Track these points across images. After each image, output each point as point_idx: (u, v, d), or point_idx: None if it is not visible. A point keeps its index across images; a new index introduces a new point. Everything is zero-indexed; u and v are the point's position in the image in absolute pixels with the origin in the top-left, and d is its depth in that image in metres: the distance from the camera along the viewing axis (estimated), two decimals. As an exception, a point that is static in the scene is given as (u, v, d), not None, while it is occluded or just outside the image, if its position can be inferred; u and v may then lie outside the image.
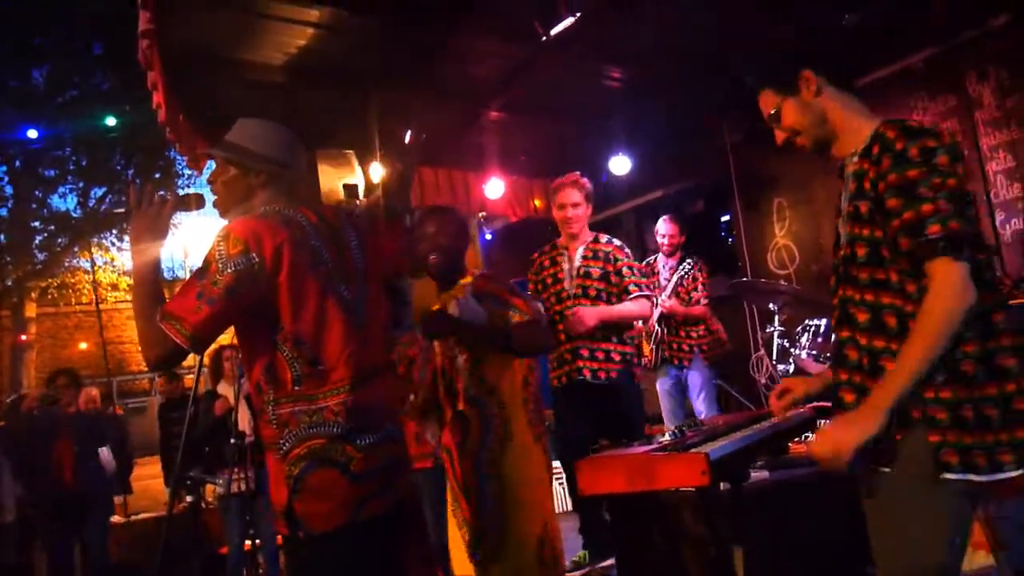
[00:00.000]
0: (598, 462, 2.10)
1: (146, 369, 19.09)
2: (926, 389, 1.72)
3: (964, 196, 1.71)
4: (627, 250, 4.24)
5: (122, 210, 2.15)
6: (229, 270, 1.94)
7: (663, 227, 5.72)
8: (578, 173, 4.32)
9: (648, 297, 4.22)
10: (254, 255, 1.96)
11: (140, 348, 1.98)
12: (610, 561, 3.93)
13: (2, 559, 6.73)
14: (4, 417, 6.74)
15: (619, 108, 6.70)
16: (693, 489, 2.18)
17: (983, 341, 1.72)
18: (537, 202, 8.03)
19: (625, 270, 4.14)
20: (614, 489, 2.03)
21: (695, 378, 5.51)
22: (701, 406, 5.45)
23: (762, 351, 6.57)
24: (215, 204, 2.23)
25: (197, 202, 2.20)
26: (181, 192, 2.20)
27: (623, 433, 3.69)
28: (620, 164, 7.15)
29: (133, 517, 6.29)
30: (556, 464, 6.62)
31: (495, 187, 6.98)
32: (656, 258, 5.77)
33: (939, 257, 1.66)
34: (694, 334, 5.56)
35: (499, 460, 2.92)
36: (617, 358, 4.06)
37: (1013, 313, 3.52)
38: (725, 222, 8.37)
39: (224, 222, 2.13)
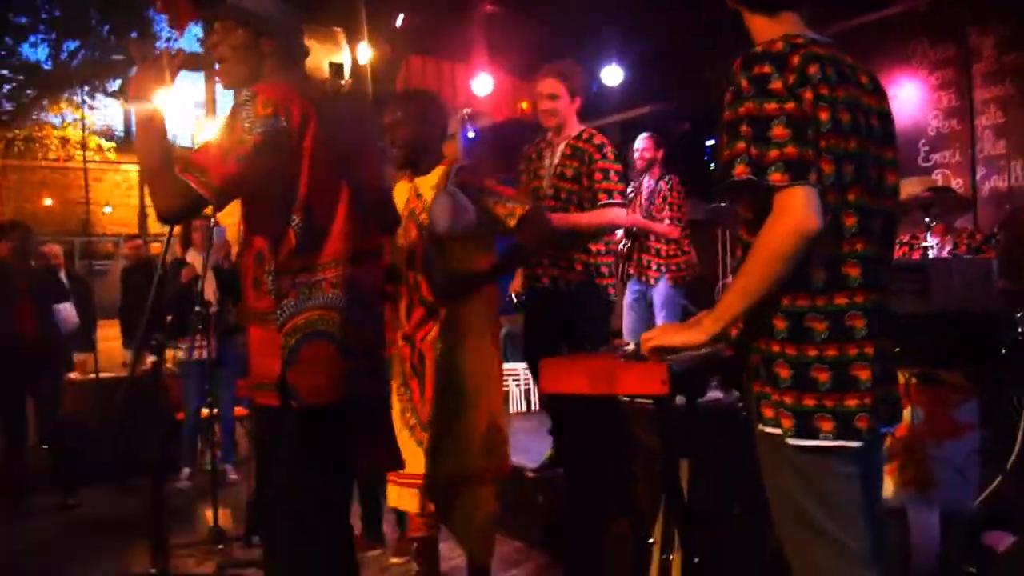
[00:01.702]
0: (561, 363, 2.14)
1: (112, 232, 18.89)
2: (752, 338, 1.73)
3: (804, 120, 1.61)
4: (607, 150, 3.83)
5: (120, 57, 2.10)
6: (258, 130, 1.92)
7: (638, 142, 5.70)
8: (566, 62, 3.89)
9: (622, 206, 3.90)
10: (282, 119, 1.94)
11: (154, 198, 1.96)
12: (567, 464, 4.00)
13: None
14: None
15: (616, 17, 6.55)
16: (650, 400, 2.24)
17: (822, 295, 1.65)
18: (524, 104, 7.90)
19: (598, 174, 3.77)
20: (574, 390, 2.07)
21: (658, 295, 5.53)
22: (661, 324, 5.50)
23: (730, 277, 6.65)
24: (220, 71, 2.17)
25: (195, 62, 2.14)
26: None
27: (585, 342, 3.66)
28: (612, 74, 7.03)
29: (93, 376, 6.28)
30: (514, 365, 6.75)
31: (483, 83, 6.84)
32: (642, 179, 5.74)
33: (779, 190, 1.58)
34: (663, 252, 5.55)
35: (456, 350, 2.97)
36: (579, 267, 3.83)
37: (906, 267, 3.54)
38: (710, 146, 8.33)
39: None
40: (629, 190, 5.54)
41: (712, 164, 8.20)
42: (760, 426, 1.72)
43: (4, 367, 5.19)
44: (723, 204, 5.86)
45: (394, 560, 3.95)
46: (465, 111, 8.51)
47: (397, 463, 2.44)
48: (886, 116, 1.80)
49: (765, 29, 1.80)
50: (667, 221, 5.53)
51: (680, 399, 2.26)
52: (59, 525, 4.97)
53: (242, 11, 2.11)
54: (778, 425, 1.68)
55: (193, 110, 19.48)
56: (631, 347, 2.35)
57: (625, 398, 2.30)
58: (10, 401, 5.29)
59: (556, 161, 3.87)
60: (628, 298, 5.62)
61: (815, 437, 1.65)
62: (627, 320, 5.64)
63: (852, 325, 1.66)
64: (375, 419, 2.23)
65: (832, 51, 1.73)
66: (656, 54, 7.02)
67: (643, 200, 5.60)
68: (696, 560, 2.20)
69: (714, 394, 3.18)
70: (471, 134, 9.01)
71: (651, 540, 2.29)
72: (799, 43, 1.68)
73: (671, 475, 2.28)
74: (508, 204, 2.98)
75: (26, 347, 5.26)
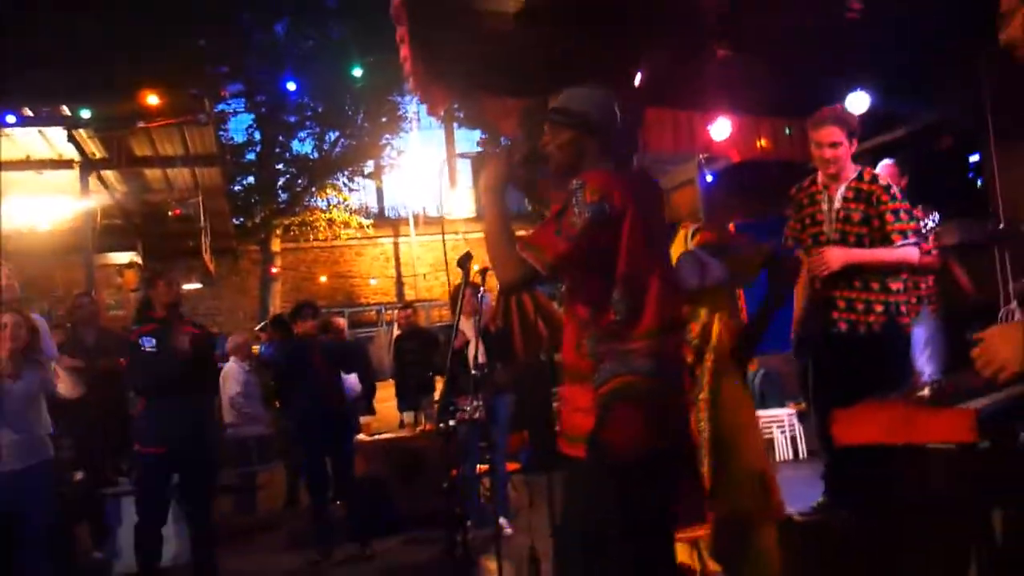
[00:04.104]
0: (855, 413, 2.10)
1: (374, 302, 20.59)
2: None
3: None
4: (894, 190, 3.77)
5: (476, 152, 2.51)
6: (586, 214, 2.18)
7: (879, 169, 5.33)
8: (841, 106, 3.93)
9: (916, 245, 3.76)
10: (606, 204, 2.19)
11: (497, 272, 2.30)
12: (847, 511, 3.83)
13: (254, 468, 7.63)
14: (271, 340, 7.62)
15: (857, 38, 6.27)
16: (954, 446, 2.13)
17: None
18: (762, 142, 7.74)
19: (889, 215, 3.69)
20: (871, 439, 2.03)
21: (920, 332, 5.10)
22: (925, 365, 5.05)
23: (1014, 303, 6.05)
24: (550, 163, 2.47)
25: (541, 159, 2.47)
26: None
27: (888, 386, 3.47)
28: (858, 101, 6.71)
29: (376, 436, 6.88)
30: (777, 412, 6.56)
31: (721, 127, 6.80)
32: None
33: None
34: (922, 285, 5.16)
35: (715, 404, 3.13)
36: (879, 308, 3.71)
37: None
38: (974, 162, 7.69)
39: None
40: None
41: (979, 180, 7.56)
42: None
43: (311, 432, 5.83)
44: (1001, 226, 5.42)
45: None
46: (700, 156, 8.49)
47: (702, 515, 2.55)
48: None
49: None
50: (933, 252, 5.14)
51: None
52: (359, 572, 5.43)
53: (570, 115, 2.39)
54: None
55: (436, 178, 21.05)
56: (926, 391, 2.27)
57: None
58: (316, 463, 5.90)
59: (838, 205, 3.81)
60: None
61: None
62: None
63: None
64: (679, 474, 2.36)
65: None
66: (904, 70, 6.60)
67: None
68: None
69: None
70: (708, 178, 8.96)
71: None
72: None
73: (981, 529, 2.15)
74: (746, 252, 3.18)
75: (326, 413, 5.87)
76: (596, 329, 2.24)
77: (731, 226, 8.46)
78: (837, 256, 3.68)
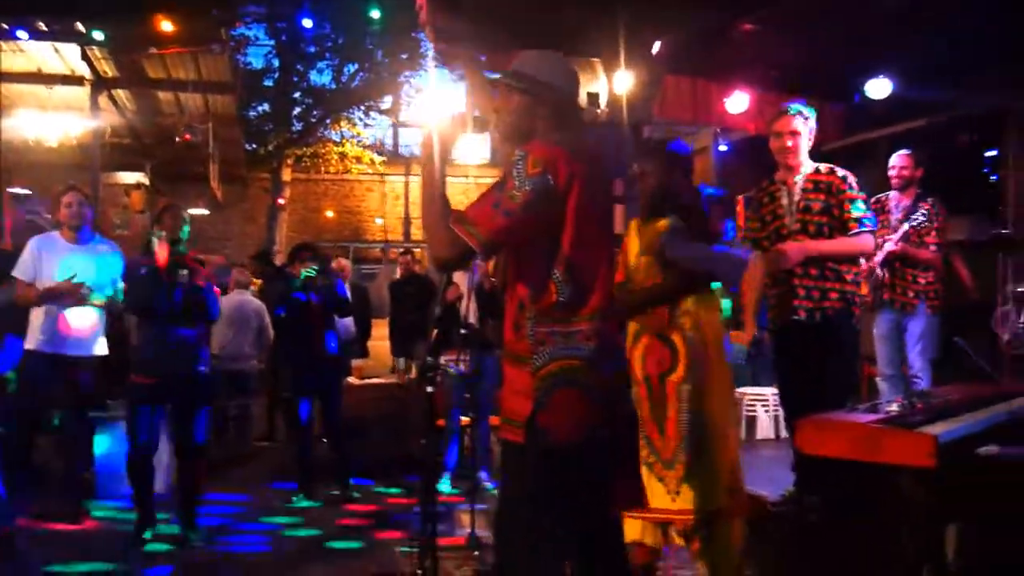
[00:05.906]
0: (821, 424, 2.12)
1: (380, 239, 20.58)
2: None
3: None
4: (851, 180, 3.93)
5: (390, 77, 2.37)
6: (527, 187, 2.06)
7: (894, 159, 5.35)
8: (802, 101, 4.10)
9: (872, 233, 3.97)
10: (550, 177, 2.07)
11: (430, 247, 2.19)
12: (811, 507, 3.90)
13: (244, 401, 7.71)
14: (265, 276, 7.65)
15: (888, 28, 6.15)
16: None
17: None
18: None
19: (847, 204, 3.88)
20: (834, 454, 2.05)
21: (915, 327, 5.16)
22: (916, 359, 5.14)
23: (1010, 305, 6.03)
24: (498, 129, 2.36)
25: (483, 126, 2.38)
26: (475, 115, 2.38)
27: (837, 375, 3.84)
28: (879, 87, 6.61)
29: (366, 380, 6.95)
30: (762, 390, 6.59)
31: (739, 101, 6.73)
32: (888, 195, 5.38)
33: None
34: (922, 280, 5.16)
35: (703, 392, 3.10)
36: (835, 295, 3.87)
37: None
38: (990, 157, 7.60)
39: None
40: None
41: (995, 176, 7.47)
42: None
43: (301, 374, 5.90)
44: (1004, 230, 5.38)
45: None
46: (716, 127, 8.42)
47: (640, 500, 2.54)
48: None
49: None
50: (932, 248, 5.15)
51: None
52: (338, 514, 5.54)
53: (522, 78, 2.26)
54: None
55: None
56: (895, 408, 2.28)
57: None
58: (303, 404, 5.96)
59: (798, 197, 3.98)
60: (882, 328, 5.31)
61: None
62: (882, 351, 5.33)
63: None
64: (618, 459, 2.33)
65: None
66: (932, 62, 6.48)
67: (893, 222, 5.24)
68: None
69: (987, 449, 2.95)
70: (723, 147, 8.90)
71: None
72: None
73: (935, 542, 2.18)
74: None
75: (318, 357, 5.91)
76: (536, 310, 2.15)
77: (740, 198, 8.45)
78: (796, 250, 3.86)
